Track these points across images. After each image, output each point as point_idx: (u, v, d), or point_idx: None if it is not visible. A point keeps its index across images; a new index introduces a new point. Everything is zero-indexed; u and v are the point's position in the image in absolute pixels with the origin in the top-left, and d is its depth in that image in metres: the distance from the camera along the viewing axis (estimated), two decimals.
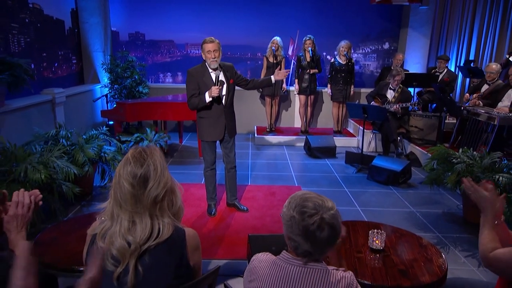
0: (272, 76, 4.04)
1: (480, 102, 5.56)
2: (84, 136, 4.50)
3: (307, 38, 6.98)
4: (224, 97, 3.85)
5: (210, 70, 3.78)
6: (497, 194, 1.90)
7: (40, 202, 1.76)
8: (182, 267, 1.54)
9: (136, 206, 1.48)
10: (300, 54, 7.13)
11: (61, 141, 4.25)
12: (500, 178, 3.56)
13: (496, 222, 1.84)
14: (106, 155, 4.44)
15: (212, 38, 3.71)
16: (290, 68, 7.55)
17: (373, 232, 2.20)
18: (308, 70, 6.98)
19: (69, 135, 4.40)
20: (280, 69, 4.08)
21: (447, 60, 7.12)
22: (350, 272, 1.50)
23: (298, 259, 1.49)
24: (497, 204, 1.82)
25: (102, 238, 1.48)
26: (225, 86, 3.83)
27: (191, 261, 1.59)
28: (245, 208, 4.25)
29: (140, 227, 1.47)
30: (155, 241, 1.47)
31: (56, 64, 6.48)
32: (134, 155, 1.54)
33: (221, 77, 3.77)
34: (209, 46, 3.66)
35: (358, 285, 1.51)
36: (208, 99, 3.72)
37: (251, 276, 1.56)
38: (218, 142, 4.03)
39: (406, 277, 1.92)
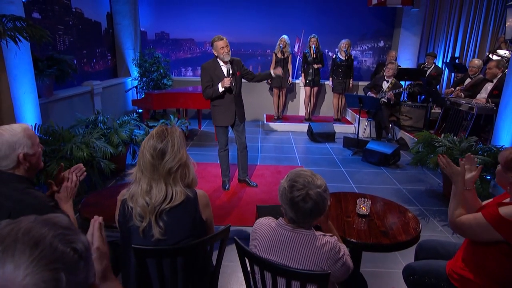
0: (272, 71, 4.06)
1: (462, 94, 5.55)
2: (118, 122, 4.58)
3: (312, 37, 6.99)
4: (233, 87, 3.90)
5: (221, 64, 3.81)
6: (472, 169, 2.00)
7: (84, 174, 1.92)
8: (196, 220, 1.64)
9: (154, 174, 1.57)
10: (306, 51, 7.12)
11: (99, 125, 4.37)
12: (476, 159, 3.59)
13: (469, 188, 1.94)
14: (136, 137, 4.54)
15: (221, 35, 3.73)
16: (295, 63, 7.59)
17: (360, 200, 2.26)
18: (313, 65, 7.00)
19: (106, 120, 4.49)
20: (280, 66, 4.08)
21: (435, 56, 7.08)
22: (335, 237, 1.53)
23: (289, 225, 1.54)
24: (466, 177, 1.92)
25: (131, 199, 1.59)
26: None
27: (203, 215, 1.68)
28: (254, 184, 4.34)
29: (155, 190, 1.56)
30: (168, 205, 1.55)
31: (94, 60, 6.62)
32: (157, 132, 1.63)
33: (231, 70, 3.82)
34: (221, 43, 3.69)
35: (342, 247, 1.53)
36: (221, 89, 3.77)
37: (253, 236, 1.64)
38: (230, 127, 4.10)
39: (385, 237, 2.01)
